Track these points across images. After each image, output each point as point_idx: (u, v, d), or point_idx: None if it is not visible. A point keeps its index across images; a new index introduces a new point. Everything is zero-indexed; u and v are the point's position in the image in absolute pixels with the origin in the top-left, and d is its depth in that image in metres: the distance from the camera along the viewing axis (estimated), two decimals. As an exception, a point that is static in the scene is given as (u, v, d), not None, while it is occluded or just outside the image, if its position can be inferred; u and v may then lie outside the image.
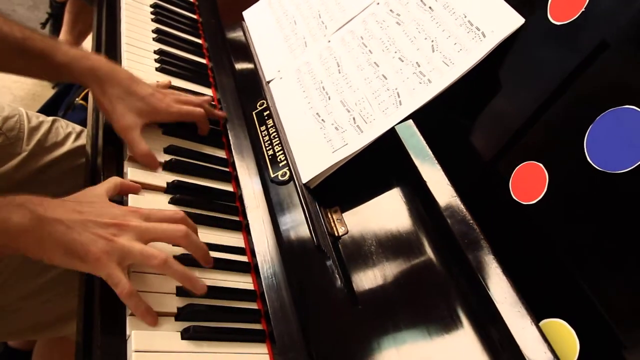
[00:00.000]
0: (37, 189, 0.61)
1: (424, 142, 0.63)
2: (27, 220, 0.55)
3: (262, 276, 0.71)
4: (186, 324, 0.62)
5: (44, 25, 2.20)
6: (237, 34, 1.02)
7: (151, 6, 1.09)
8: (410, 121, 0.66)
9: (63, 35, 2.04)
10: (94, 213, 0.59)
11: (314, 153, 0.73)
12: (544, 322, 0.52)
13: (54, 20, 2.20)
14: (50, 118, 0.94)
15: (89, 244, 0.56)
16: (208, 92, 0.98)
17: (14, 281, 0.75)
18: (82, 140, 0.93)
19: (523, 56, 0.63)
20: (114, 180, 0.67)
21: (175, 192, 0.75)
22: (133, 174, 0.74)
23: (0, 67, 0.76)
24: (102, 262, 0.56)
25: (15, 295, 0.75)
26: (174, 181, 0.76)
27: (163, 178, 0.76)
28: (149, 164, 0.75)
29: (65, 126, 0.94)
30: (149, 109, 0.76)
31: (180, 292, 0.64)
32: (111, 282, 0.56)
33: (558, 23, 0.61)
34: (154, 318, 0.58)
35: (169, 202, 0.73)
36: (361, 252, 0.67)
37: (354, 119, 0.72)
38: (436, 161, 0.61)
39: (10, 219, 0.54)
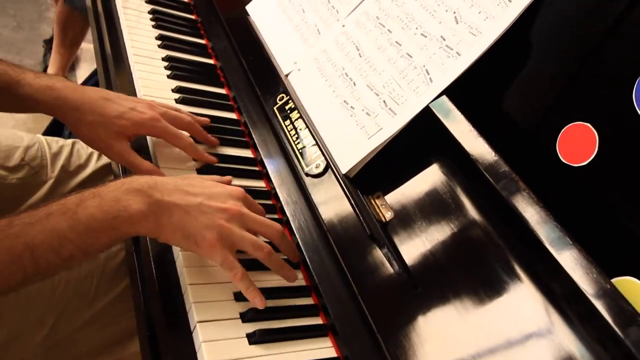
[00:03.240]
0: None
1: (463, 116, 0.62)
2: (146, 206, 0.58)
3: (312, 270, 0.71)
4: (250, 328, 0.62)
5: (48, 46, 2.20)
6: (241, 30, 1.00)
7: (149, 12, 1.07)
8: (445, 97, 0.65)
9: (55, 48, 2.05)
10: (206, 194, 0.63)
11: (349, 141, 0.72)
12: (616, 280, 0.52)
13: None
14: (70, 141, 0.93)
15: (204, 230, 0.60)
16: (221, 91, 0.97)
17: (68, 315, 0.75)
18: (105, 159, 0.93)
19: (555, 15, 0.62)
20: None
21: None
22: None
23: None
24: (217, 249, 0.60)
25: (70, 329, 0.75)
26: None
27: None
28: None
29: (85, 147, 0.94)
30: (129, 124, 0.73)
31: (239, 297, 0.65)
32: (226, 265, 0.61)
33: (588, -21, 0.60)
34: (261, 300, 0.62)
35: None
36: (411, 233, 0.66)
37: (384, 102, 0.71)
38: (479, 135, 0.61)
39: (131, 206, 0.57)
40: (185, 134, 0.77)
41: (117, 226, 0.57)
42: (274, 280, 0.69)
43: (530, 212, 0.55)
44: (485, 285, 0.59)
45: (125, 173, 0.80)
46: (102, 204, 0.57)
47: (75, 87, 0.74)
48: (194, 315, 0.61)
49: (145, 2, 1.09)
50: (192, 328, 0.61)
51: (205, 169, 0.79)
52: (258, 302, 0.62)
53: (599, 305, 0.49)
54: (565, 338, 0.53)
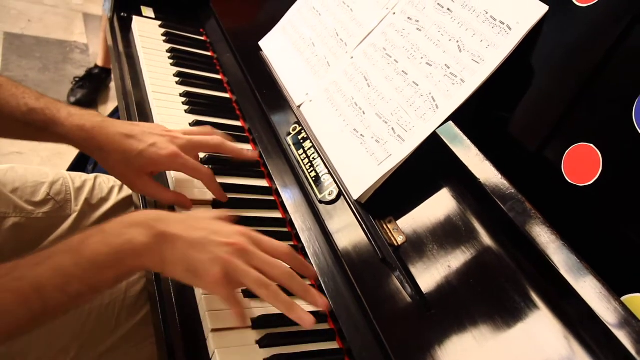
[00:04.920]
0: None
1: (469, 141, 0.64)
2: (150, 238, 0.58)
3: (327, 296, 0.72)
4: (267, 354, 0.64)
5: (77, 82, 2.37)
6: (255, 64, 1.04)
7: (168, 51, 1.12)
8: (451, 122, 0.67)
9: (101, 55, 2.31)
10: (210, 230, 0.62)
11: (360, 168, 0.74)
12: (625, 298, 0.52)
13: (88, 78, 2.38)
14: (92, 175, 0.97)
15: (208, 264, 0.59)
16: (237, 123, 1.01)
17: (92, 343, 0.77)
18: (127, 192, 0.96)
19: (554, 41, 0.64)
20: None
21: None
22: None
23: (11, 135, 0.78)
24: (220, 284, 0.59)
25: (93, 356, 0.77)
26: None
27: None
28: (182, 205, 0.77)
29: (107, 181, 0.97)
30: (147, 162, 0.75)
31: (256, 324, 0.66)
32: (228, 302, 0.60)
33: (584, 5, 0.62)
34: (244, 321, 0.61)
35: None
36: (423, 256, 0.67)
37: (392, 129, 0.73)
38: (485, 158, 0.62)
39: (135, 239, 0.58)
40: (205, 168, 0.78)
41: (122, 259, 0.57)
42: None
43: (538, 231, 0.56)
44: (497, 307, 0.60)
45: (146, 205, 0.83)
46: (106, 239, 0.57)
47: (102, 126, 0.75)
48: (212, 343, 0.62)
49: (164, 41, 1.14)
50: (210, 355, 0.62)
51: (220, 202, 0.81)
52: (240, 322, 0.61)
53: (611, 325, 0.50)
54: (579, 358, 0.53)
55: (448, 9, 0.74)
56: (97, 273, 0.56)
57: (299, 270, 0.66)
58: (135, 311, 0.83)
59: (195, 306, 0.67)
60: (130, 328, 0.81)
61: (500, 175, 0.61)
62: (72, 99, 2.32)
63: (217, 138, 0.80)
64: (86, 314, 0.77)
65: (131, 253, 0.58)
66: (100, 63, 2.40)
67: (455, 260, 0.65)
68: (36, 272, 0.54)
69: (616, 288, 0.51)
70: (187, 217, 0.64)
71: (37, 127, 0.74)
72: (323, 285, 0.73)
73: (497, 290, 0.60)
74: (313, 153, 0.83)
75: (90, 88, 2.37)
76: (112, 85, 2.30)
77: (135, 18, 1.17)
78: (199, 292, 0.68)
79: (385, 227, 0.72)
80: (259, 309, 0.68)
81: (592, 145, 0.58)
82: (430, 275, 0.66)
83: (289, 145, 0.87)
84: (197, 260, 0.59)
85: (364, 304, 0.67)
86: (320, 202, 0.79)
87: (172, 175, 0.83)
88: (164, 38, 1.15)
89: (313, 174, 0.82)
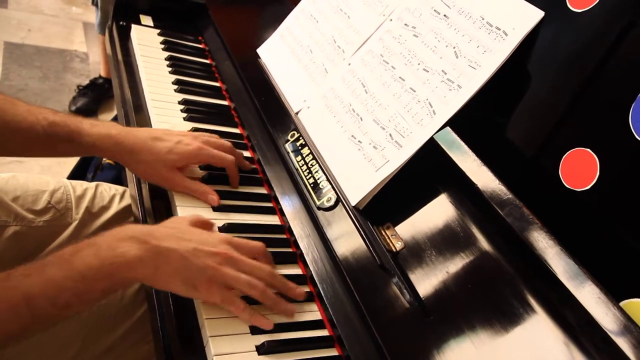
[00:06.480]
0: None
1: (467, 146, 0.64)
2: (143, 252, 0.60)
3: (326, 302, 0.72)
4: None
5: (80, 91, 2.38)
6: (253, 72, 1.05)
7: (166, 59, 1.12)
8: (448, 128, 0.67)
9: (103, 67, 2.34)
10: (198, 240, 0.65)
11: (358, 175, 0.74)
12: (623, 304, 0.52)
13: (92, 87, 2.40)
14: (94, 184, 0.97)
15: (201, 274, 0.62)
16: (236, 131, 1.01)
17: (91, 342, 0.77)
18: (127, 200, 0.96)
19: (550, 47, 0.65)
20: (191, 215, 0.73)
21: (228, 232, 0.76)
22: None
23: (25, 153, 0.80)
24: (214, 291, 0.63)
25: (92, 355, 0.78)
26: (224, 224, 0.78)
27: (212, 218, 0.78)
28: (212, 201, 0.80)
29: (108, 189, 0.97)
30: (178, 157, 0.80)
31: (255, 331, 0.66)
32: (226, 302, 0.64)
33: (579, 10, 0.62)
34: (268, 321, 0.65)
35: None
36: (422, 263, 0.67)
37: (390, 135, 0.73)
38: (483, 164, 0.62)
39: (128, 252, 0.59)
40: (229, 155, 0.84)
41: (114, 272, 0.58)
42: (289, 313, 0.70)
43: (536, 237, 0.56)
44: (495, 312, 0.60)
45: (145, 214, 0.83)
46: (98, 252, 0.58)
47: (128, 132, 0.80)
48: (211, 349, 0.62)
49: (162, 49, 1.15)
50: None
51: (221, 208, 0.81)
52: (265, 324, 0.65)
53: (610, 331, 0.50)
54: (579, 363, 0.53)
55: (444, 15, 0.74)
56: (88, 285, 0.57)
57: (269, 263, 0.72)
58: (133, 310, 0.83)
59: (192, 306, 0.67)
60: (128, 327, 0.81)
61: (497, 181, 0.61)
62: (73, 107, 2.33)
63: (228, 142, 0.87)
64: (84, 314, 0.77)
65: (123, 266, 0.59)
66: (103, 74, 2.42)
67: (454, 265, 0.65)
68: (27, 282, 0.54)
69: (615, 293, 0.51)
70: (173, 229, 0.66)
71: (60, 139, 0.76)
72: (322, 291, 0.73)
73: (496, 295, 0.60)
74: (311, 160, 0.83)
75: (92, 97, 2.39)
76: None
77: (134, 26, 1.17)
78: (197, 300, 0.68)
79: (383, 233, 0.72)
80: (258, 316, 0.68)
81: (589, 150, 0.58)
82: (428, 281, 0.66)
83: (288, 152, 0.87)
84: (192, 271, 0.62)
85: (362, 310, 0.67)
86: (319, 208, 0.79)
87: None
88: (162, 46, 1.16)
89: (311, 180, 0.82)
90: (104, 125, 0.80)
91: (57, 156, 0.83)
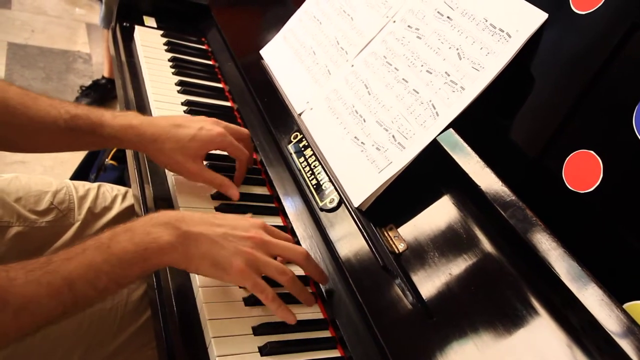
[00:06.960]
0: None
1: (470, 148, 0.64)
2: (174, 237, 0.62)
3: (328, 303, 0.72)
4: (269, 360, 0.64)
5: (83, 91, 2.40)
6: (256, 73, 1.05)
7: (169, 60, 1.13)
8: (451, 130, 0.67)
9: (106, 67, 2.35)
10: (229, 225, 0.66)
11: (360, 176, 0.74)
12: (627, 306, 0.52)
13: (94, 88, 2.42)
14: (96, 184, 0.97)
15: (232, 257, 0.63)
16: (239, 132, 1.01)
17: (94, 348, 0.77)
18: (129, 201, 0.96)
19: (553, 49, 0.65)
20: None
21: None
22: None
23: (50, 148, 0.80)
24: (246, 274, 0.64)
25: (96, 359, 0.78)
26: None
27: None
28: (233, 195, 0.81)
29: (110, 190, 0.97)
30: (201, 144, 0.80)
31: (257, 331, 0.66)
32: (256, 289, 0.65)
33: (583, 12, 0.62)
34: (293, 316, 0.67)
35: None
36: (424, 264, 0.67)
37: (393, 136, 0.73)
38: (486, 165, 0.62)
39: (161, 238, 0.61)
40: (246, 151, 0.85)
41: (148, 257, 0.60)
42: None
43: (539, 239, 0.56)
44: (498, 314, 0.59)
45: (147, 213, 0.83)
46: (134, 237, 0.60)
47: (150, 121, 0.80)
48: (214, 349, 0.62)
49: (166, 50, 1.15)
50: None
51: (223, 207, 0.82)
52: (290, 319, 0.66)
53: (613, 333, 0.50)
54: (582, 365, 0.53)
55: (448, 17, 0.74)
56: (124, 269, 0.59)
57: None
58: (137, 316, 0.83)
59: (196, 312, 0.68)
60: (132, 333, 0.81)
61: (501, 183, 0.61)
62: None
63: (246, 130, 0.88)
64: (88, 319, 0.77)
65: (157, 251, 0.60)
66: (106, 74, 2.43)
67: (457, 267, 0.65)
68: (68, 267, 0.56)
69: (618, 295, 0.51)
70: (205, 215, 0.67)
71: (82, 132, 0.77)
72: (324, 292, 0.73)
73: (499, 297, 0.60)
74: (314, 161, 0.83)
75: (95, 97, 2.40)
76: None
77: (137, 28, 1.18)
78: (200, 301, 0.68)
79: (386, 234, 0.71)
80: (261, 317, 0.68)
81: (592, 152, 0.58)
82: (431, 282, 0.65)
83: (290, 153, 0.87)
84: (222, 255, 0.63)
85: (365, 311, 0.67)
86: (322, 209, 0.79)
87: (170, 175, 0.84)
88: (165, 47, 1.16)
89: (314, 181, 0.82)
90: (125, 116, 0.80)
91: (80, 149, 0.84)
